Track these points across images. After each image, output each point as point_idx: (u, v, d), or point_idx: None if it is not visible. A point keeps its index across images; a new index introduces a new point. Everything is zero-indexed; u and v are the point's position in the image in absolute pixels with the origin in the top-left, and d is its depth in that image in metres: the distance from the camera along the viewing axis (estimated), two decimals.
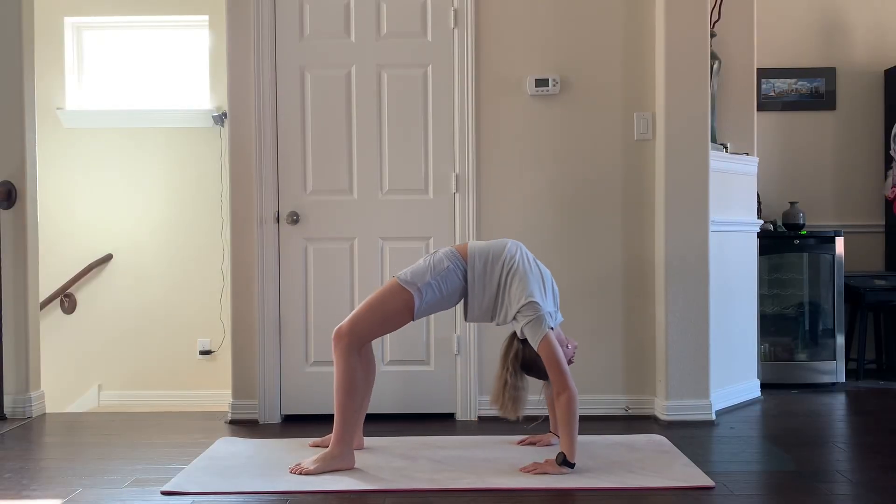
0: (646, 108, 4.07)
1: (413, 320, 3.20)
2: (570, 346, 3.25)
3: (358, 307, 3.21)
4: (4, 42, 4.16)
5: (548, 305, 3.13)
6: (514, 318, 3.11)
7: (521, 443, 3.47)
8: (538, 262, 3.24)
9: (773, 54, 5.35)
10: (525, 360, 3.16)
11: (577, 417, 3.03)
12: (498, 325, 3.25)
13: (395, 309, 3.14)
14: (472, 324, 3.99)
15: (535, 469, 3.03)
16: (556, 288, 3.26)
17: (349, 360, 3.12)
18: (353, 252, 4.07)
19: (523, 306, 3.07)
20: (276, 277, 4.04)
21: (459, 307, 3.37)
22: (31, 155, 4.22)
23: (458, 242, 4.02)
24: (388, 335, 4.01)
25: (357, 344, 3.14)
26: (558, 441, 3.38)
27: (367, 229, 4.07)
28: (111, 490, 2.93)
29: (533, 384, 3.25)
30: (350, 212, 4.07)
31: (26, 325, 4.17)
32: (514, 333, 3.20)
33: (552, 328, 3.11)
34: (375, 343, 4.01)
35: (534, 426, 3.45)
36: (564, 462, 3.00)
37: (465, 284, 3.18)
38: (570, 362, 3.23)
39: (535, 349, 3.06)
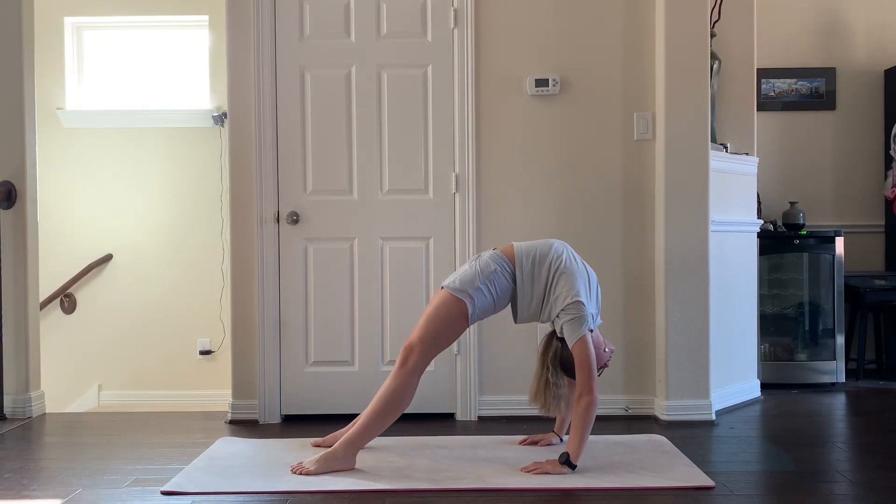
0: (646, 108, 4.07)
1: (468, 327, 3.20)
2: (606, 350, 3.23)
3: (418, 325, 3.15)
4: (4, 42, 4.16)
5: (591, 307, 3.12)
6: (557, 316, 3.10)
7: (522, 443, 3.46)
8: (585, 263, 3.23)
9: (773, 54, 5.35)
10: (563, 359, 3.15)
11: (593, 423, 3.03)
12: (543, 322, 3.24)
13: (454, 318, 3.12)
14: (473, 324, 3.99)
15: (535, 469, 3.03)
16: (599, 291, 3.24)
17: (411, 379, 3.10)
18: (353, 252, 4.07)
19: (568, 304, 3.06)
20: (276, 277, 4.04)
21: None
22: (31, 155, 4.22)
23: (458, 243, 4.02)
24: (388, 334, 4.03)
25: (424, 362, 3.12)
26: (560, 441, 3.39)
27: (367, 229, 4.07)
28: (111, 490, 2.92)
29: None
30: (350, 212, 4.07)
31: (26, 325, 4.17)
32: (553, 332, 3.18)
33: (591, 330, 3.11)
34: (374, 343, 4.03)
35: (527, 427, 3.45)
36: (567, 462, 3.00)
37: (514, 286, 3.16)
38: (605, 366, 3.22)
39: (570, 348, 3.06)
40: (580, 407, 3.01)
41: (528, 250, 3.17)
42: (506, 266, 3.15)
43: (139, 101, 5.76)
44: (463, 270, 3.18)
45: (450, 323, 3.13)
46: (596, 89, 4.08)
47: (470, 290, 3.10)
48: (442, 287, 3.18)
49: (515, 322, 3.26)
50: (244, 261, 4.04)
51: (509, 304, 3.23)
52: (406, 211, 4.07)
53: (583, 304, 3.06)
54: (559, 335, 3.13)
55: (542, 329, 3.32)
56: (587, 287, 3.14)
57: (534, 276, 3.14)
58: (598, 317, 3.23)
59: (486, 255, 3.20)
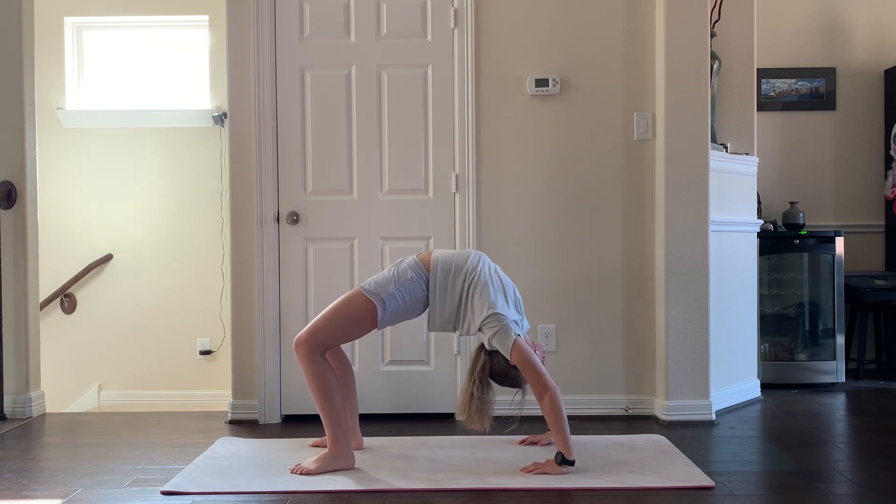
0: (646, 108, 4.07)
1: (378, 329, 3.22)
2: (538, 351, 3.23)
3: (319, 315, 3.20)
4: (4, 42, 4.16)
5: (511, 314, 3.13)
6: (480, 330, 3.12)
7: (522, 442, 3.47)
8: (500, 271, 3.25)
9: (773, 54, 5.35)
10: (494, 371, 3.16)
11: (565, 413, 3.03)
12: (461, 336, 3.25)
13: (358, 318, 3.15)
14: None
15: (535, 469, 3.04)
16: (518, 296, 3.26)
17: (313, 362, 3.12)
18: (353, 252, 4.07)
19: (487, 318, 3.07)
20: (276, 277, 4.04)
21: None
22: (31, 155, 4.22)
23: (458, 243, 4.03)
24: (388, 335, 4.03)
25: (317, 350, 3.14)
26: None
27: (367, 229, 4.07)
28: (111, 490, 2.93)
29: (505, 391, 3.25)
30: (350, 212, 4.07)
31: (26, 325, 4.17)
32: (482, 346, 3.19)
33: (519, 335, 3.11)
34: (374, 342, 4.03)
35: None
36: (564, 461, 3.00)
37: (428, 294, 3.18)
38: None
39: (508, 357, 3.07)
40: (545, 406, 3.02)
41: (445, 261, 3.19)
42: (422, 275, 3.17)
43: (139, 101, 5.76)
44: (381, 274, 3.22)
45: (354, 321, 3.16)
46: (596, 89, 4.08)
47: (383, 294, 3.12)
48: (357, 286, 3.21)
49: (428, 329, 3.28)
50: (244, 261, 4.04)
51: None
52: (406, 211, 4.07)
53: (501, 314, 3.07)
54: (488, 349, 3.15)
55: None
56: (503, 296, 3.15)
57: (447, 287, 3.15)
58: (524, 321, 3.24)
59: (406, 261, 3.22)
